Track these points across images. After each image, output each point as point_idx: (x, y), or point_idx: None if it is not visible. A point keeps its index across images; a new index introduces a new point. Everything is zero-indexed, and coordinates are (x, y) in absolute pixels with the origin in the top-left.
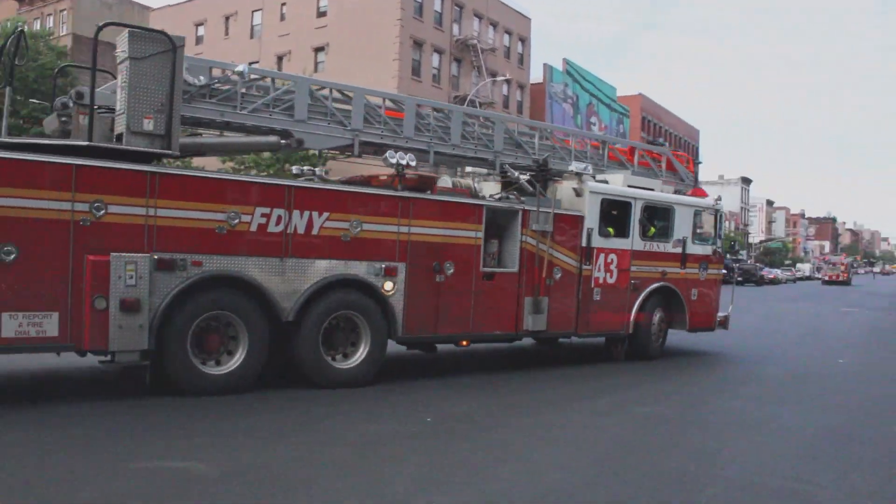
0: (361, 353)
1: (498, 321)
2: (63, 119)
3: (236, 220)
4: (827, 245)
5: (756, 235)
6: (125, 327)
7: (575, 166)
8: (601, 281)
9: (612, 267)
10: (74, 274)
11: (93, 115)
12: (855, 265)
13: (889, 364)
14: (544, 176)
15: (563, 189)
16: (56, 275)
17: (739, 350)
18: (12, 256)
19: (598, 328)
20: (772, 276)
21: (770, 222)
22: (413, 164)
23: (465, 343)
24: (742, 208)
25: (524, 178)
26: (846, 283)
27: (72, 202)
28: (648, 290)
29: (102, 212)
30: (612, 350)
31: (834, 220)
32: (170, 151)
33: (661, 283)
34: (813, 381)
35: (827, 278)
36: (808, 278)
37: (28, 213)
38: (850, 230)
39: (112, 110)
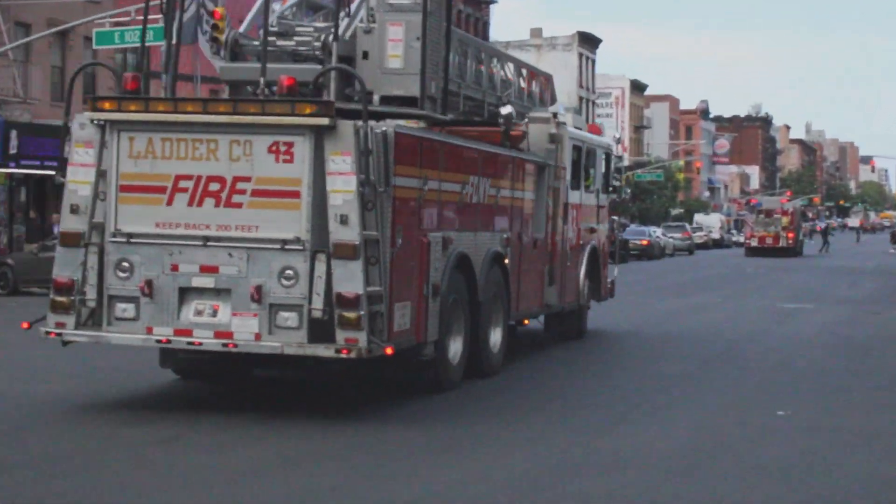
0: (499, 336)
1: (560, 294)
2: None
3: (469, 192)
4: (755, 174)
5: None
6: (433, 314)
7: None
8: (573, 243)
9: (574, 226)
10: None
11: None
12: (809, 216)
13: (868, 421)
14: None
15: (536, 134)
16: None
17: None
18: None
19: (568, 300)
20: (642, 243)
21: (639, 127)
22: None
23: (526, 322)
24: (583, 98)
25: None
26: (792, 250)
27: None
28: (587, 251)
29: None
30: (560, 328)
31: (768, 120)
32: (448, 118)
33: (592, 243)
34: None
35: (755, 243)
36: (720, 243)
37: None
38: (799, 142)
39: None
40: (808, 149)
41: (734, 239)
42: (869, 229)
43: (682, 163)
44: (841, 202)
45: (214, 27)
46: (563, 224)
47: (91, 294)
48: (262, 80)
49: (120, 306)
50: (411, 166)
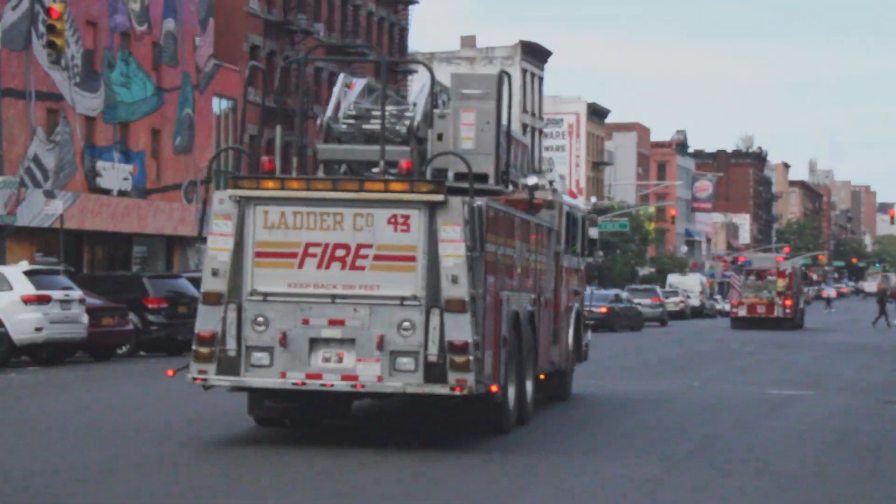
0: (531, 387)
1: (558, 352)
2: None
3: (516, 255)
4: (745, 224)
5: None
6: (503, 362)
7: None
8: (566, 305)
9: (567, 288)
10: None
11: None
12: (813, 278)
13: None
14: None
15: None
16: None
17: None
18: None
19: (562, 360)
20: (600, 311)
21: (599, 164)
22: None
23: (542, 376)
24: (527, 126)
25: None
26: (790, 321)
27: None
28: (573, 313)
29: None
30: (549, 388)
31: (761, 156)
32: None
33: (576, 306)
34: None
35: (743, 312)
36: (700, 311)
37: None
38: (801, 184)
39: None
40: (812, 193)
41: (718, 307)
42: (891, 295)
43: (652, 209)
44: (854, 261)
45: (51, 28)
46: (561, 286)
47: (231, 345)
48: (382, 161)
49: (256, 355)
50: (493, 234)
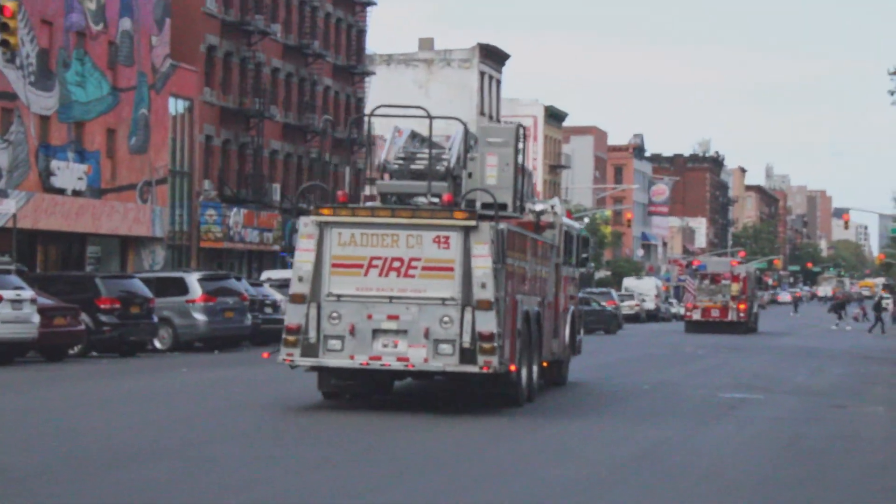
0: (536, 373)
1: (557, 345)
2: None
3: (526, 267)
4: (701, 228)
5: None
6: (518, 350)
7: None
8: (564, 307)
9: (565, 293)
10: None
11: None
12: (768, 283)
13: None
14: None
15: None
16: None
17: None
18: None
19: (560, 352)
20: None
21: (556, 167)
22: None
23: (545, 363)
24: (479, 129)
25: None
26: (743, 325)
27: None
28: (570, 313)
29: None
30: (549, 375)
31: (718, 161)
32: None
33: (572, 308)
34: None
35: (697, 316)
36: (655, 315)
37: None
38: (757, 189)
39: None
40: (768, 198)
41: (673, 310)
42: (841, 298)
43: (609, 213)
44: (809, 265)
45: (4, 26)
46: (560, 292)
47: (311, 334)
48: (428, 195)
49: (331, 342)
50: (511, 250)
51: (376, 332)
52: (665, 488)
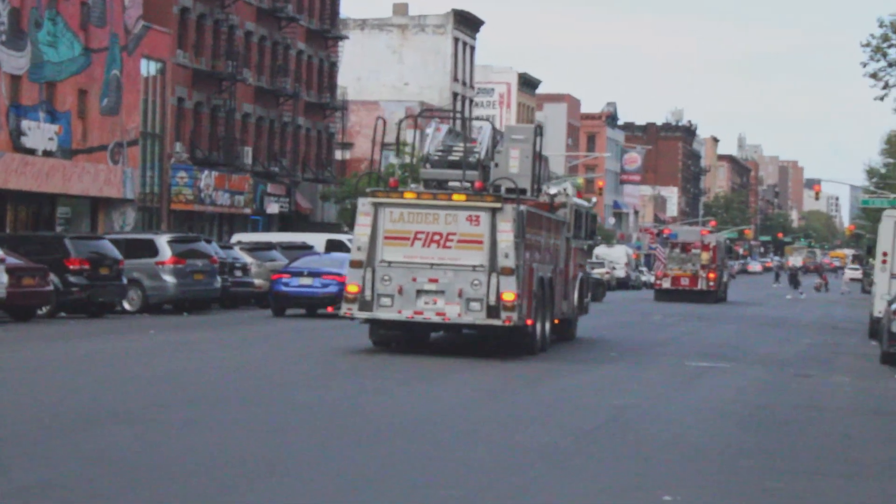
0: (549, 328)
1: (567, 305)
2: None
3: (541, 240)
4: (673, 197)
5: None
6: (534, 309)
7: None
8: (573, 273)
9: (574, 262)
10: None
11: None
12: (739, 252)
13: None
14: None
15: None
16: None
17: None
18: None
19: (570, 311)
20: None
21: (535, 137)
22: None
23: (556, 321)
24: (457, 95)
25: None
26: (713, 294)
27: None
28: (579, 279)
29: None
30: (560, 331)
31: (691, 130)
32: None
33: (581, 275)
34: None
35: (667, 284)
36: (625, 283)
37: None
38: (729, 159)
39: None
40: (740, 168)
41: (643, 278)
42: (812, 270)
43: (580, 180)
44: (780, 236)
45: None
46: (570, 261)
47: (367, 293)
48: (462, 182)
49: (383, 299)
50: (529, 227)
51: (419, 292)
52: (630, 454)
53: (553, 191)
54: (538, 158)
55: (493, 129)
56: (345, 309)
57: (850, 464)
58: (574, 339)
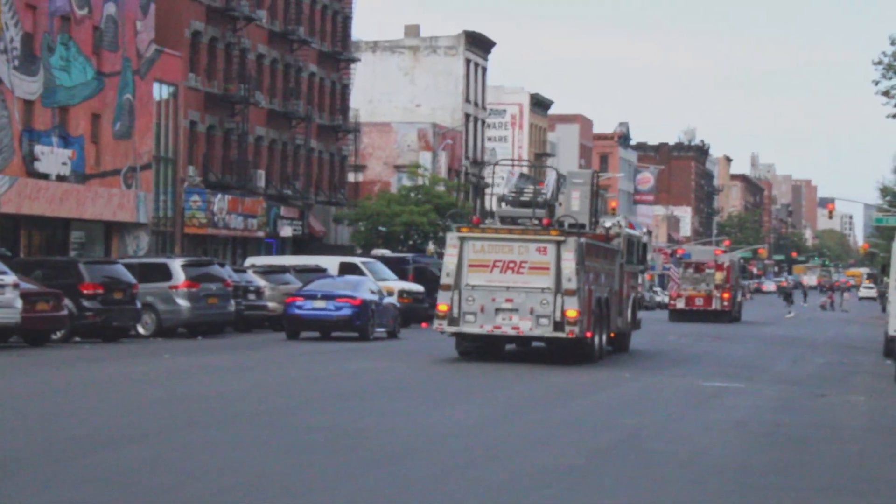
0: (605, 340)
1: (623, 322)
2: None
3: (598, 266)
4: (687, 217)
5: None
6: (593, 324)
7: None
8: (626, 294)
9: (628, 284)
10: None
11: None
12: (753, 272)
13: None
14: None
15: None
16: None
17: None
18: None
19: (624, 326)
20: None
21: (541, 155)
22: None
23: (612, 335)
24: (469, 116)
25: (609, 224)
26: (727, 314)
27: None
28: (632, 299)
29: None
30: (616, 344)
31: (704, 149)
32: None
33: (634, 295)
34: None
35: (681, 304)
36: (639, 303)
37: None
38: (742, 178)
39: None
40: (753, 187)
41: (658, 298)
42: (827, 287)
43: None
44: (794, 255)
45: None
46: (624, 283)
47: (454, 311)
48: (532, 219)
49: (468, 316)
50: (588, 256)
51: (498, 310)
52: (645, 474)
53: (608, 224)
54: (595, 196)
55: (558, 174)
56: (436, 324)
57: (866, 482)
58: (628, 350)
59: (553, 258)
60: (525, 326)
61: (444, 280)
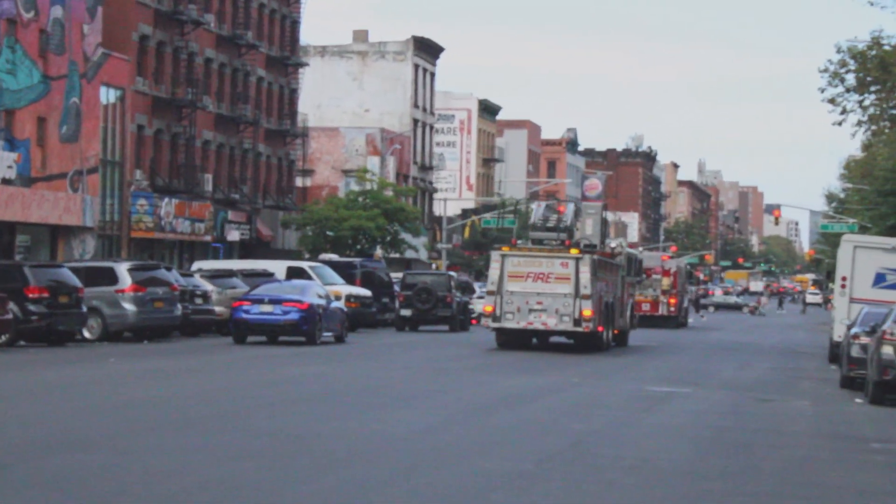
0: (611, 335)
1: (623, 321)
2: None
3: (606, 277)
4: (634, 223)
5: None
6: (603, 321)
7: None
8: (625, 299)
9: (626, 292)
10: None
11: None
12: (700, 278)
13: None
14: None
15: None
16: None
17: None
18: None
19: (624, 325)
20: (485, 310)
21: (489, 160)
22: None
23: (616, 331)
24: (418, 121)
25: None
26: (674, 319)
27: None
28: (629, 304)
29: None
30: (616, 340)
31: (651, 156)
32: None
33: (631, 301)
34: None
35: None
36: None
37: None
38: (689, 184)
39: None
40: (700, 193)
41: None
42: (773, 291)
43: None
44: (740, 261)
45: None
46: (624, 291)
47: (497, 311)
48: (556, 241)
49: (507, 315)
50: (599, 269)
51: (530, 310)
52: (592, 480)
53: (613, 244)
54: (604, 223)
55: (576, 205)
56: (484, 322)
57: (811, 487)
58: (626, 345)
59: (573, 271)
60: (552, 322)
61: (489, 287)
